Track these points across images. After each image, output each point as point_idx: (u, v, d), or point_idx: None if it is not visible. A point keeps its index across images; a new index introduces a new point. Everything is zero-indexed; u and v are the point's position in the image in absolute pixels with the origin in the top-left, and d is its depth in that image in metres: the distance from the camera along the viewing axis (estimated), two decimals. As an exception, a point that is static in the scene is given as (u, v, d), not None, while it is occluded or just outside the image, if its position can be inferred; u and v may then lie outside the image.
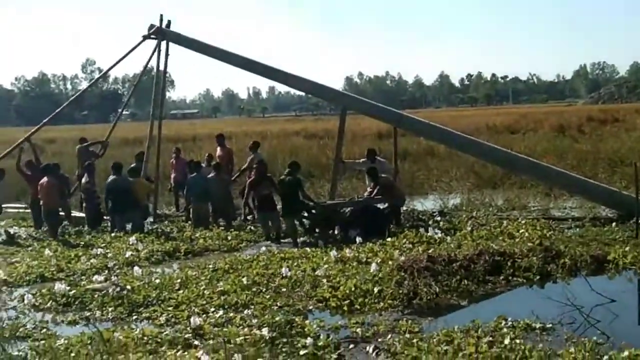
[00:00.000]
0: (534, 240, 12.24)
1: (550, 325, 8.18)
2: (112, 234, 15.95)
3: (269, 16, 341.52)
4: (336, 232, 14.99)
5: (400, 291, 9.67)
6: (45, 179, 16.50)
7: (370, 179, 16.22)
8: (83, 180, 17.47)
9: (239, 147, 26.30)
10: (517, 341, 7.42)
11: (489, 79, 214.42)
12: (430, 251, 11.37)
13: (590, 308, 8.64)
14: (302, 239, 14.75)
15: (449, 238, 13.29)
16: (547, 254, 11.21)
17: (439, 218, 16.11)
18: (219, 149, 19.64)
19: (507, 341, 7.39)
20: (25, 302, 10.40)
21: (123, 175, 16.76)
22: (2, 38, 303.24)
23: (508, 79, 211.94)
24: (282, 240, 14.89)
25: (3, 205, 17.68)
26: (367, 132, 37.56)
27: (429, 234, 13.68)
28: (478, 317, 8.37)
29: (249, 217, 17.19)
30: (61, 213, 17.04)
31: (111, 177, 16.73)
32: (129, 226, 16.37)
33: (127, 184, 16.52)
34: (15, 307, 10.42)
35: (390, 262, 11.00)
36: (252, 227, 16.22)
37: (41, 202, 16.66)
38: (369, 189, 16.37)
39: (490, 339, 7.55)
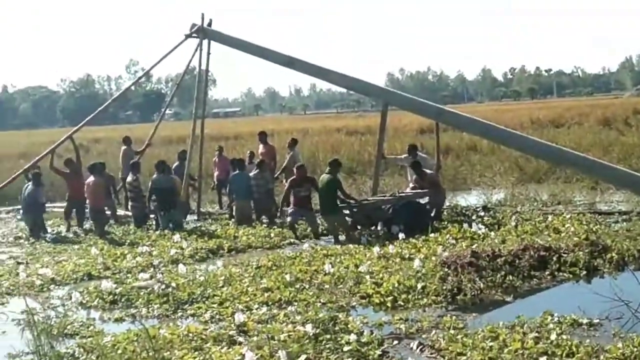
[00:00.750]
0: (580, 234, 12.09)
1: (598, 320, 8.07)
2: (157, 232, 16.14)
3: (310, 12, 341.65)
4: (379, 228, 14.95)
5: (444, 287, 9.61)
6: (91, 178, 16.77)
7: (414, 173, 16.16)
8: (129, 178, 17.70)
9: (280, 145, 26.34)
10: (564, 337, 7.34)
11: (532, 72, 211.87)
12: (474, 247, 11.31)
13: (638, 303, 8.47)
14: (342, 237, 14.63)
15: (493, 233, 13.18)
16: (594, 248, 11.05)
17: (482, 213, 16.01)
18: (261, 146, 19.76)
19: (553, 337, 7.31)
20: (73, 300, 10.55)
21: (166, 173, 16.95)
22: (49, 40, 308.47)
23: (552, 72, 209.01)
24: (321, 238, 14.90)
25: (48, 205, 17.94)
26: (408, 127, 37.38)
27: (472, 229, 13.59)
28: (523, 313, 8.28)
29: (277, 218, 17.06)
30: (107, 212, 17.31)
31: (155, 176, 16.92)
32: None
33: (171, 183, 16.71)
34: (63, 304, 10.60)
35: (433, 258, 10.95)
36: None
37: (87, 201, 16.94)
38: (411, 185, 16.32)
39: (537, 335, 7.47)
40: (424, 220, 14.45)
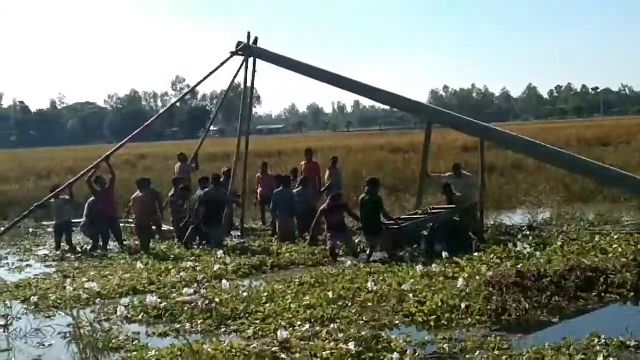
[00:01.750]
0: (628, 255, 11.88)
1: (646, 343, 7.91)
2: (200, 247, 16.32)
3: (353, 28, 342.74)
4: (422, 246, 14.87)
5: (489, 307, 9.51)
6: (138, 193, 17.01)
7: (444, 195, 16.38)
8: (170, 194, 17.90)
9: (324, 162, 26.42)
10: (611, 359, 7.20)
11: (579, 90, 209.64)
12: (519, 266, 11.18)
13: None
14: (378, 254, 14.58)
15: (538, 253, 13.01)
16: (642, 269, 10.84)
17: (528, 233, 15.80)
18: (303, 163, 19.84)
19: (600, 359, 7.18)
20: (118, 314, 10.67)
21: (219, 187, 17.15)
22: (97, 57, 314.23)
23: (599, 90, 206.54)
24: (361, 255, 14.79)
25: (75, 221, 18.18)
26: (452, 145, 37.20)
27: (517, 249, 13.43)
28: (570, 334, 8.16)
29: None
30: (153, 227, 17.52)
31: (208, 189, 17.02)
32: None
33: (222, 196, 16.93)
34: (109, 318, 10.72)
35: (477, 278, 10.85)
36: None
37: (133, 216, 17.18)
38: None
39: (583, 357, 7.37)
40: (465, 239, 14.38)
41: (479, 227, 15.68)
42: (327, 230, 15.17)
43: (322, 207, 15.49)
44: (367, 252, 14.63)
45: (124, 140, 20.47)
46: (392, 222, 14.96)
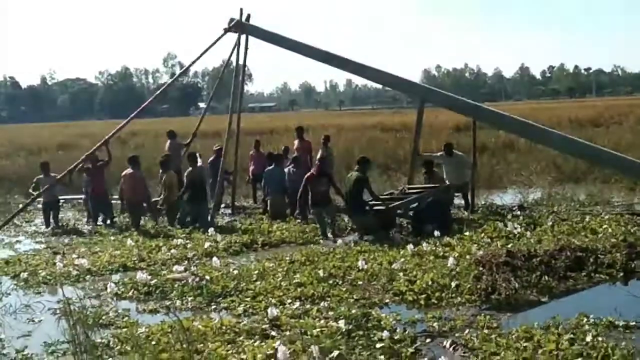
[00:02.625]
0: (618, 236, 11.91)
1: (634, 323, 7.94)
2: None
3: (346, 7, 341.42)
4: (409, 227, 14.79)
5: (478, 286, 9.54)
6: (129, 170, 16.89)
7: (425, 171, 16.39)
8: (160, 172, 17.81)
9: (316, 140, 26.36)
10: (599, 339, 7.24)
11: (571, 71, 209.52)
12: (509, 246, 11.19)
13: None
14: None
15: (528, 233, 13.03)
16: (631, 250, 10.87)
17: (518, 212, 15.84)
18: (297, 141, 19.79)
19: (588, 339, 7.22)
20: (108, 290, 10.67)
21: (199, 166, 17.09)
22: (88, 33, 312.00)
23: (591, 71, 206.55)
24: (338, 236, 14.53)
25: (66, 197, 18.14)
26: (444, 125, 37.16)
27: (508, 228, 13.46)
28: (559, 313, 8.19)
29: (297, 215, 16.75)
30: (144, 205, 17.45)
31: (191, 169, 17.04)
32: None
33: (204, 174, 16.92)
34: (99, 295, 10.72)
35: (468, 257, 10.88)
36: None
37: (123, 194, 17.07)
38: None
39: (572, 336, 7.38)
40: (449, 218, 14.58)
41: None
42: (312, 202, 14.94)
43: (307, 176, 15.16)
44: (357, 234, 14.53)
45: (126, 120, 20.10)
46: (379, 201, 14.76)
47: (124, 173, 17.02)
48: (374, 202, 14.66)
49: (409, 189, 16.05)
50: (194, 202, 16.54)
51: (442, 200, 15.13)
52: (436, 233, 13.28)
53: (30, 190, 17.86)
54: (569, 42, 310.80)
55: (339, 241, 13.70)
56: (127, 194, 16.92)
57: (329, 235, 14.59)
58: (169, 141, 20.88)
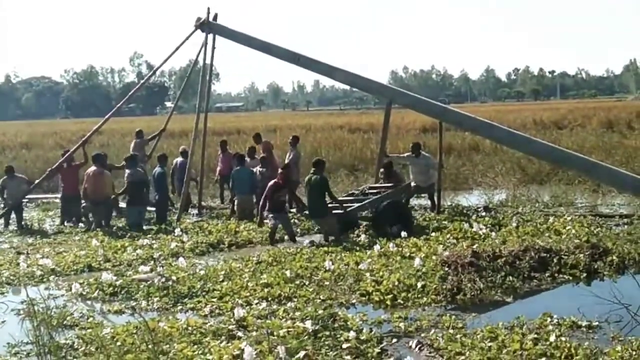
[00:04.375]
0: (581, 237, 12.08)
1: (597, 323, 8.08)
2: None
3: (314, 8, 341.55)
4: (371, 229, 14.67)
5: (444, 286, 9.62)
6: (92, 167, 16.64)
7: (385, 173, 16.27)
8: (127, 171, 17.63)
9: (283, 141, 26.38)
10: (563, 339, 7.34)
11: (536, 73, 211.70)
12: (474, 247, 11.27)
13: (637, 306, 8.47)
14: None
15: (493, 234, 13.17)
16: (595, 251, 11.05)
17: (483, 213, 16.00)
18: (257, 146, 19.74)
19: (552, 339, 7.31)
20: (73, 291, 10.57)
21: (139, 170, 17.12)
22: (53, 31, 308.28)
23: (556, 74, 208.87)
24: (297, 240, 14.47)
25: (31, 197, 17.96)
26: (411, 126, 37.40)
27: (473, 229, 13.57)
28: (523, 314, 8.29)
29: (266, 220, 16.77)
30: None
31: (157, 169, 17.00)
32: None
33: (143, 176, 16.99)
34: (63, 295, 10.62)
35: (434, 257, 10.94)
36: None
37: (87, 191, 16.78)
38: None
39: (535, 336, 7.48)
40: (407, 219, 14.56)
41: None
42: (269, 210, 14.53)
43: (273, 183, 14.71)
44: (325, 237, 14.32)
45: (105, 118, 20.01)
46: (337, 203, 14.61)
47: (87, 171, 16.77)
48: (332, 205, 14.54)
49: (370, 189, 16.08)
50: (130, 204, 16.56)
51: (400, 201, 15.13)
52: (403, 234, 13.33)
53: None
54: (534, 45, 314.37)
55: (305, 241, 13.71)
56: (91, 191, 16.58)
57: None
58: (134, 140, 20.73)
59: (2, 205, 18.10)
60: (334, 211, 14.40)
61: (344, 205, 14.69)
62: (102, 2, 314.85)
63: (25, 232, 16.71)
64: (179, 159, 19.31)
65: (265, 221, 14.82)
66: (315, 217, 14.60)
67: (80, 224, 16.92)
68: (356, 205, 14.87)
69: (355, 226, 14.87)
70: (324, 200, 14.32)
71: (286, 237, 14.58)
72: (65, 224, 17.34)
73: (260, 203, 15.10)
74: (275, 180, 14.71)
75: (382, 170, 16.61)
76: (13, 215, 17.60)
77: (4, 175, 17.82)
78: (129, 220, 16.52)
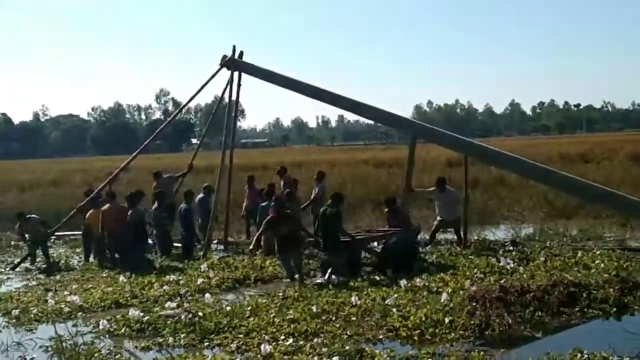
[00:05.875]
0: (610, 271, 11.96)
1: (628, 358, 7.97)
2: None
3: (338, 43, 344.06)
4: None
5: (472, 322, 9.54)
6: (107, 205, 16.71)
7: (388, 209, 15.80)
8: (153, 207, 17.77)
9: (308, 176, 26.42)
10: (594, 375, 7.24)
11: (561, 107, 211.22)
12: (502, 281, 11.20)
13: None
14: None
15: (521, 268, 13.07)
16: (624, 285, 10.94)
17: (511, 248, 15.89)
18: (281, 181, 19.79)
19: (583, 374, 7.22)
20: (101, 327, 10.62)
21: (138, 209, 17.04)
22: (81, 69, 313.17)
23: (581, 107, 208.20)
24: (305, 281, 13.84)
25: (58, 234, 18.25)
26: (436, 160, 37.34)
27: (500, 263, 13.48)
28: (552, 349, 8.21)
29: (257, 252, 16.45)
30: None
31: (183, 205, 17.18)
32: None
33: (141, 216, 16.94)
34: (91, 332, 10.66)
35: (461, 292, 10.88)
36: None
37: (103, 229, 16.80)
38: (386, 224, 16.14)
39: (566, 371, 7.38)
40: (411, 260, 14.27)
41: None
42: (277, 248, 14.15)
43: (267, 219, 14.26)
44: (323, 274, 13.82)
45: (132, 155, 20.50)
46: (346, 237, 14.38)
47: (105, 207, 16.71)
48: (344, 240, 14.28)
49: (377, 230, 15.95)
50: (135, 241, 16.48)
51: (406, 241, 14.70)
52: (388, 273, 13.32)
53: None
54: (560, 78, 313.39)
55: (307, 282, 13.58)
56: (107, 227, 16.54)
57: (296, 277, 13.89)
58: (155, 182, 20.62)
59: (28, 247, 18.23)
60: (342, 239, 14.19)
61: (354, 238, 14.60)
62: (129, 41, 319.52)
63: (53, 269, 16.84)
64: (200, 195, 19.34)
65: (257, 252, 15.23)
66: (327, 250, 14.22)
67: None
68: (363, 235, 14.97)
69: (359, 264, 14.58)
70: (337, 233, 14.16)
71: (312, 272, 14.47)
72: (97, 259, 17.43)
73: (256, 237, 15.24)
74: (270, 215, 14.28)
75: (385, 210, 15.95)
76: (40, 252, 17.77)
77: (18, 222, 18.12)
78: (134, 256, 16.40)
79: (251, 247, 15.59)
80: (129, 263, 16.02)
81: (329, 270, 13.63)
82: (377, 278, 13.32)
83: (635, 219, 17.52)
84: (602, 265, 12.76)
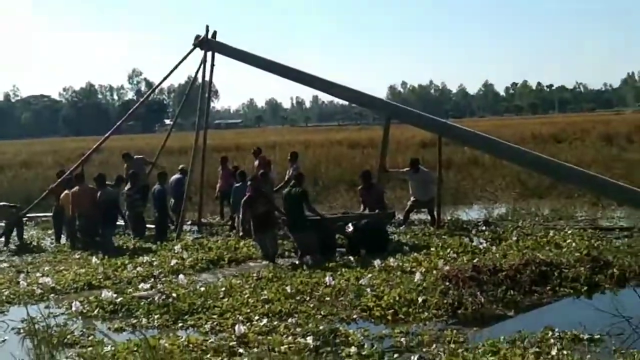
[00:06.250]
0: (582, 250, 12.08)
1: (599, 336, 8.05)
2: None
3: (313, 24, 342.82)
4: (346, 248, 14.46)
5: (445, 301, 9.61)
6: (76, 187, 16.54)
7: (363, 181, 15.98)
8: (126, 188, 17.63)
9: (282, 157, 26.39)
10: (565, 352, 7.34)
11: (534, 87, 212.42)
12: (475, 261, 11.28)
13: (639, 319, 8.45)
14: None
15: (494, 248, 13.17)
16: (595, 264, 11.04)
17: (483, 228, 16.00)
18: (256, 161, 19.68)
19: (554, 352, 7.31)
20: (73, 309, 10.55)
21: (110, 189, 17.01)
22: (52, 49, 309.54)
23: (554, 88, 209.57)
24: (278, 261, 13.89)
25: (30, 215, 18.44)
26: (410, 141, 37.41)
27: (473, 243, 13.57)
28: (524, 327, 8.29)
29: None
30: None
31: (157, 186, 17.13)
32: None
33: (115, 195, 16.88)
34: (64, 314, 10.59)
35: (434, 272, 10.95)
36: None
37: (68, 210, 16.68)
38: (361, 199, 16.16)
39: (537, 350, 7.47)
40: (384, 241, 14.33)
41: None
42: (254, 229, 14.03)
43: (245, 199, 14.16)
44: (298, 255, 13.91)
45: (105, 136, 20.30)
46: (317, 216, 14.36)
47: (74, 189, 16.55)
48: (312, 217, 14.23)
49: (352, 212, 15.98)
50: (104, 222, 16.38)
51: (377, 223, 14.75)
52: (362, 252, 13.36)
53: None
54: (532, 59, 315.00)
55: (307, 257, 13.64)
56: (87, 208, 16.41)
57: (273, 259, 13.91)
58: (125, 164, 20.41)
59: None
60: (312, 218, 14.10)
61: (323, 217, 14.58)
62: (101, 20, 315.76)
63: (25, 250, 16.70)
64: (175, 176, 19.16)
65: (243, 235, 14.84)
66: (295, 231, 14.14)
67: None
68: (334, 216, 14.89)
69: (334, 244, 14.57)
70: (304, 214, 14.05)
71: (286, 252, 14.49)
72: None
73: (241, 221, 14.98)
74: (247, 195, 14.22)
75: (360, 186, 16.14)
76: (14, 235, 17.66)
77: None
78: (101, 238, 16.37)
79: (241, 233, 15.37)
80: (99, 245, 15.94)
81: (300, 252, 13.69)
82: (351, 259, 13.35)
83: (606, 198, 17.73)
84: (574, 244, 12.90)
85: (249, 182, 14.76)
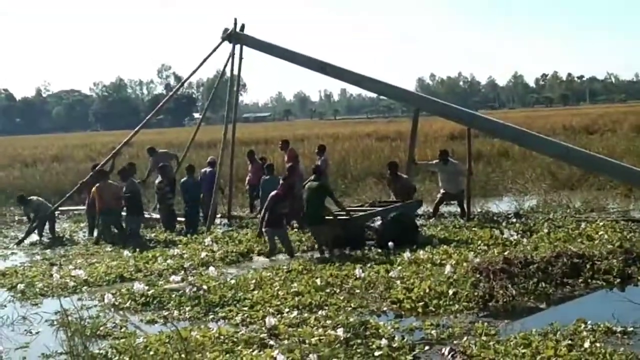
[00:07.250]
0: (614, 242, 11.94)
1: (632, 328, 7.98)
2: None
3: (340, 17, 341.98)
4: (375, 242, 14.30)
5: (476, 293, 9.56)
6: (99, 184, 16.69)
7: (390, 173, 15.98)
8: (157, 180, 17.76)
9: (311, 150, 26.40)
10: (597, 345, 7.27)
11: (564, 78, 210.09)
12: (506, 253, 11.20)
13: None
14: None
15: (525, 240, 13.09)
16: (628, 256, 10.93)
17: (514, 220, 15.89)
18: (285, 156, 19.71)
19: (586, 345, 7.24)
20: (106, 301, 10.65)
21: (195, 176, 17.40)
22: (83, 44, 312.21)
23: (585, 79, 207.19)
24: (296, 255, 13.87)
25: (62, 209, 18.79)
26: (439, 133, 37.23)
27: (504, 235, 13.49)
28: (556, 320, 8.21)
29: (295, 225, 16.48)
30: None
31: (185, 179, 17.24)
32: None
33: (137, 187, 17.07)
34: (96, 306, 10.71)
35: (465, 264, 10.90)
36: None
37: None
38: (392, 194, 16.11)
39: (570, 342, 7.41)
40: (413, 234, 14.19)
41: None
42: (267, 224, 13.92)
43: (274, 194, 14.04)
44: (320, 249, 13.86)
45: (134, 131, 20.29)
46: (342, 210, 14.29)
47: (98, 185, 16.71)
48: (338, 212, 14.16)
49: (380, 202, 15.98)
50: (130, 214, 16.60)
51: (404, 217, 14.56)
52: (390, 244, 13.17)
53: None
54: (563, 50, 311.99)
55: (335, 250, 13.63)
56: (109, 204, 16.60)
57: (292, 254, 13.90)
58: (150, 158, 20.68)
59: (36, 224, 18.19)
60: (339, 217, 14.02)
61: (350, 212, 14.45)
62: (130, 15, 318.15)
63: (57, 243, 16.90)
64: (207, 169, 19.28)
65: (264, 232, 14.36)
66: (312, 224, 14.16)
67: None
68: (360, 215, 14.60)
69: (362, 238, 14.48)
70: (322, 208, 13.94)
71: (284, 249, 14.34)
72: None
73: (261, 215, 14.78)
74: (277, 191, 14.16)
75: (387, 174, 16.27)
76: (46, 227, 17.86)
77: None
78: (128, 230, 16.60)
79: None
80: (125, 240, 16.10)
81: (324, 246, 13.71)
82: (380, 251, 13.32)
83: (639, 189, 17.50)
84: (606, 236, 12.75)
85: (281, 179, 14.76)
